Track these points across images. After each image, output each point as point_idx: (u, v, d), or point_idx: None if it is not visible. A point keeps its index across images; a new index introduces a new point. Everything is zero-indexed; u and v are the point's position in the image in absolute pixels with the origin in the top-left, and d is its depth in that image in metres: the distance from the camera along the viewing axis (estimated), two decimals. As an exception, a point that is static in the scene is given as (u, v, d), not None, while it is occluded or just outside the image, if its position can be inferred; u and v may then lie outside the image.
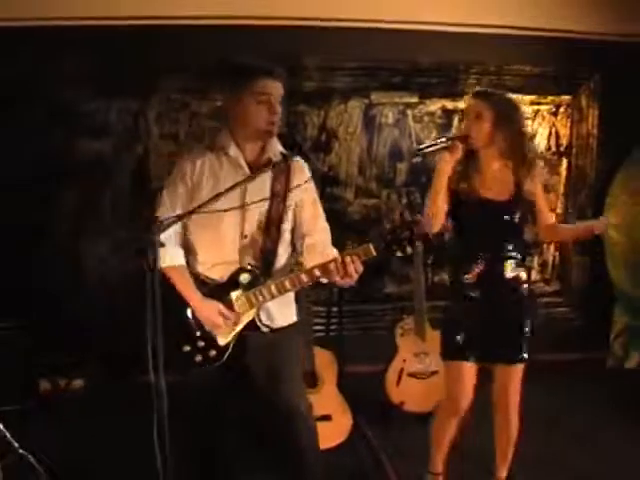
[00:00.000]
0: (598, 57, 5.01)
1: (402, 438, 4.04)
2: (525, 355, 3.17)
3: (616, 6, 4.88)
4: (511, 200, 3.08)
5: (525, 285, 3.19)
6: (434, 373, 4.23)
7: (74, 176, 4.58)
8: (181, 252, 2.83)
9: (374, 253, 2.57)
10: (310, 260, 2.83)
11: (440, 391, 3.64)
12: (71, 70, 4.34)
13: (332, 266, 2.59)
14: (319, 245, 2.87)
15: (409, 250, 2.55)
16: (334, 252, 2.79)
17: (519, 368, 3.20)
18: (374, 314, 5.11)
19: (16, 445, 3.38)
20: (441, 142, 3.10)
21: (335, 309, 4.47)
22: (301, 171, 2.86)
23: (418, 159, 4.93)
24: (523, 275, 3.16)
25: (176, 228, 2.77)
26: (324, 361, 3.91)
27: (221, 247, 2.79)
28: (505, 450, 3.34)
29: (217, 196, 2.54)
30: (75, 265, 4.64)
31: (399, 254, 2.56)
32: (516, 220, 3.10)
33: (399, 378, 4.24)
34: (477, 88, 3.73)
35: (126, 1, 4.23)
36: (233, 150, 2.75)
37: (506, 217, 3.08)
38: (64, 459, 3.57)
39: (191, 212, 2.56)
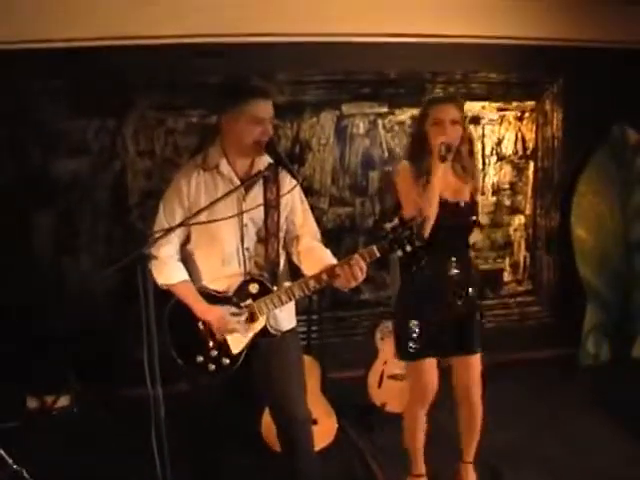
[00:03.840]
0: (560, 62, 5.15)
1: (386, 438, 4.11)
2: (479, 347, 3.28)
3: (575, 13, 4.99)
4: (468, 203, 3.16)
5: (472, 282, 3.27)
6: (413, 374, 4.33)
7: (53, 194, 4.61)
8: (183, 268, 2.87)
9: (378, 254, 2.62)
10: (307, 263, 2.91)
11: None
12: (47, 90, 4.39)
13: (338, 270, 2.65)
14: (315, 248, 2.95)
15: (409, 249, 2.60)
16: (329, 254, 2.88)
17: (476, 358, 3.28)
18: (352, 320, 5.20)
19: (10, 461, 3.42)
20: None
21: (315, 317, 4.53)
22: (288, 178, 2.90)
23: (390, 167, 5.05)
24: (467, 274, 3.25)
25: (176, 245, 2.85)
26: (307, 367, 3.94)
27: (224, 261, 2.86)
28: (471, 438, 3.41)
29: (204, 209, 2.64)
30: (58, 281, 4.67)
31: (400, 253, 2.61)
32: (468, 223, 3.20)
33: (380, 380, 4.33)
34: (440, 94, 3.74)
35: (99, 22, 4.25)
36: (225, 167, 2.81)
37: (460, 220, 3.15)
38: (54, 476, 3.60)
39: (180, 225, 2.65)
